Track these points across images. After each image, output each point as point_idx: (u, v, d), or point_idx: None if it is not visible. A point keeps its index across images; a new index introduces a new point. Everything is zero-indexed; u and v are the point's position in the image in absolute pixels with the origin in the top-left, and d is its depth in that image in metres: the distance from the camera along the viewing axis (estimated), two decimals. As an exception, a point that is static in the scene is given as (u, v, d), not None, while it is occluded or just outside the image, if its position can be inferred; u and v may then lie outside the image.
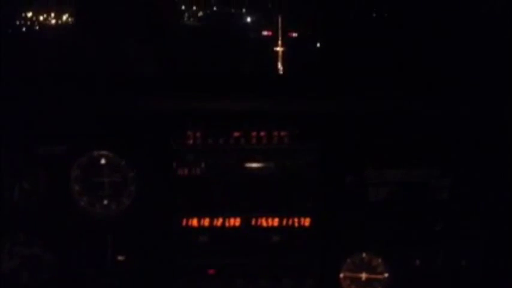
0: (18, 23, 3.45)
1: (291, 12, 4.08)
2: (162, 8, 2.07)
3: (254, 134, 1.81)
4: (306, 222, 1.86)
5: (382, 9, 3.47)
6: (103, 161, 1.83)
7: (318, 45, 4.02)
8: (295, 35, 4.18)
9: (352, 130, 1.81)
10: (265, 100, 1.82)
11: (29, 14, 3.78)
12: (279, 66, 4.07)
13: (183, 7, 4.19)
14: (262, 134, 1.81)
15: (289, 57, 3.88)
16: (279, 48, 4.15)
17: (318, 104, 1.81)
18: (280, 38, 4.14)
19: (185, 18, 4.18)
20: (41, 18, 3.76)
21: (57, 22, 3.77)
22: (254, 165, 1.83)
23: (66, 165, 1.81)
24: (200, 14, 4.27)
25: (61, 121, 1.80)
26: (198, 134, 1.81)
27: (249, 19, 4.24)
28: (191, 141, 1.82)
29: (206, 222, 1.86)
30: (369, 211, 1.83)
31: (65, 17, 3.79)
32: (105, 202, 1.85)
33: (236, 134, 1.81)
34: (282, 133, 1.81)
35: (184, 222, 1.85)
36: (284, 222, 1.86)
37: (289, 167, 1.83)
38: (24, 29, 3.18)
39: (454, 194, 1.81)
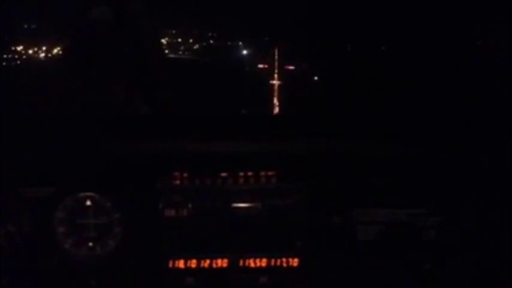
0: (6, 57, 3.55)
1: (288, 45, 4.18)
2: (150, 48, 2.16)
3: (241, 174, 1.88)
4: (295, 262, 1.91)
5: (380, 43, 3.56)
6: (88, 203, 1.90)
7: (315, 78, 4.11)
8: (291, 67, 4.28)
9: (340, 170, 1.88)
10: (252, 141, 1.89)
11: (19, 48, 3.87)
12: (275, 101, 4.15)
13: (179, 40, 4.30)
14: (249, 174, 1.88)
15: (285, 93, 3.96)
16: (275, 82, 4.24)
17: (305, 145, 1.89)
18: (276, 71, 4.24)
19: (180, 52, 4.29)
20: (31, 51, 3.85)
21: (46, 56, 3.87)
22: (242, 205, 1.90)
23: (51, 207, 1.87)
24: (196, 47, 4.38)
25: (46, 163, 1.87)
26: (184, 175, 1.88)
27: (245, 52, 4.35)
28: (178, 182, 1.88)
29: (193, 263, 1.91)
30: (357, 251, 1.89)
31: (55, 51, 3.89)
32: (90, 244, 1.91)
33: (223, 174, 1.88)
34: (270, 173, 1.88)
35: (171, 263, 1.91)
36: (272, 262, 1.91)
37: (277, 207, 1.89)
38: (10, 68, 3.27)
39: (442, 233, 1.88)
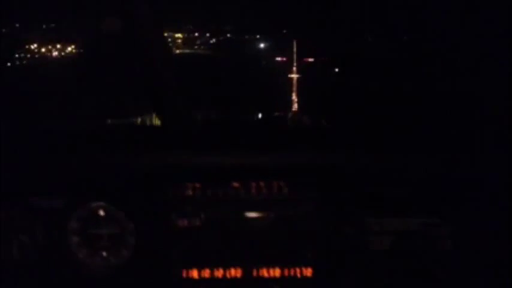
0: (20, 57, 3.65)
1: (307, 37, 4.20)
2: (159, 59, 2.21)
3: (254, 184, 1.94)
4: (308, 272, 1.98)
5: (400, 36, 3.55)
6: (101, 213, 1.98)
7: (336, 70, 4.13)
8: (311, 60, 4.31)
9: (352, 180, 1.93)
10: (263, 152, 1.95)
11: (33, 46, 3.96)
12: (293, 96, 4.20)
13: (196, 34, 4.37)
14: (261, 184, 1.94)
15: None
16: (293, 75, 4.28)
17: (317, 156, 1.94)
18: (295, 64, 4.28)
19: (196, 47, 4.36)
20: (43, 50, 3.94)
21: (60, 54, 3.96)
22: (254, 215, 1.96)
23: (64, 217, 1.96)
24: (213, 41, 4.45)
25: (59, 174, 1.95)
26: (196, 185, 1.95)
27: (262, 45, 4.40)
28: (190, 192, 1.96)
29: (206, 273, 1.99)
30: (370, 261, 1.95)
31: (69, 49, 3.97)
32: (104, 254, 1.99)
33: (235, 184, 1.95)
34: (282, 183, 1.94)
35: (184, 273, 1.99)
36: (286, 272, 1.98)
37: (289, 216, 1.95)
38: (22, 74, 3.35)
39: (455, 243, 1.92)
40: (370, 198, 1.94)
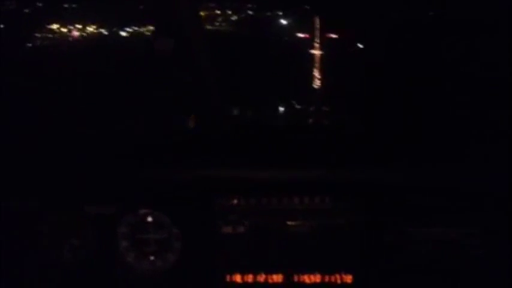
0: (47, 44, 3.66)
1: (330, 12, 4.18)
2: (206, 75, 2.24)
3: (296, 195, 2.01)
4: (348, 279, 2.05)
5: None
6: (149, 219, 2.05)
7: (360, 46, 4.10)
8: (334, 36, 4.30)
9: (392, 190, 1.98)
10: (306, 168, 2.01)
11: (54, 26, 3.97)
12: (316, 73, 4.21)
13: (217, 11, 4.36)
14: (303, 194, 2.01)
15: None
16: (315, 52, 4.29)
17: (359, 171, 1.99)
18: (317, 41, 4.27)
19: (217, 24, 4.36)
20: (65, 30, 3.95)
21: (80, 34, 3.97)
22: (296, 223, 2.03)
23: (114, 223, 2.04)
24: (234, 18, 4.43)
25: (109, 182, 2.02)
26: (241, 195, 2.02)
27: (285, 22, 4.39)
28: (235, 201, 2.02)
29: (249, 278, 2.07)
30: (410, 269, 2.02)
31: (90, 29, 3.98)
32: (152, 258, 2.07)
33: (278, 195, 2.01)
34: (324, 194, 2.00)
35: (228, 277, 2.07)
36: (326, 278, 2.05)
37: (330, 225, 2.02)
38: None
39: (492, 252, 1.98)
40: (411, 207, 1.99)
